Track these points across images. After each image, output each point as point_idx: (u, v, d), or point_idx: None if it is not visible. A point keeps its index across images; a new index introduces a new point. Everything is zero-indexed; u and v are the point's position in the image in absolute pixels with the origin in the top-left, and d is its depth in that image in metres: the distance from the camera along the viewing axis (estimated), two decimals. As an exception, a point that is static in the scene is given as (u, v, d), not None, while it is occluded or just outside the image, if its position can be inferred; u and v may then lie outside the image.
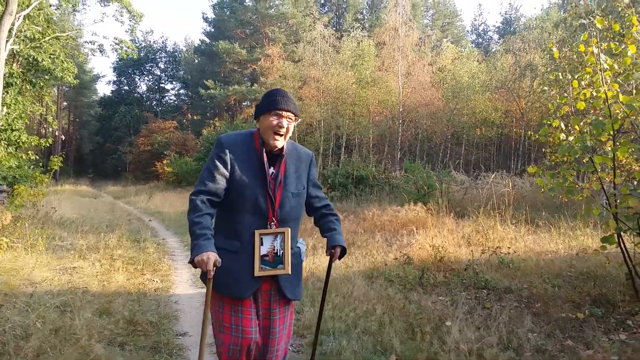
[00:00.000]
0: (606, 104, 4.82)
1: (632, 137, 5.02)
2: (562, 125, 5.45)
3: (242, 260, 2.54)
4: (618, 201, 4.94)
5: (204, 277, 2.51)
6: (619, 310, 4.82)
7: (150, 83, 54.44)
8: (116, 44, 25.14)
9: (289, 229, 2.58)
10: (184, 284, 6.82)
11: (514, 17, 51.09)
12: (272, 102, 2.60)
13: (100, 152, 51.67)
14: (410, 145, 27.90)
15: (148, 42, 53.61)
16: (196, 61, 48.85)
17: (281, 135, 2.59)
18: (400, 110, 25.98)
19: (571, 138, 5.31)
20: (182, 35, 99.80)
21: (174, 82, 54.49)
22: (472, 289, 5.76)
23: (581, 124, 5.40)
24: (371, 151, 25.62)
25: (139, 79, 54.37)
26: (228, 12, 41.24)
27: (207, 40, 44.58)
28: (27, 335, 4.05)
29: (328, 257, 2.76)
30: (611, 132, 4.84)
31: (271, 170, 2.62)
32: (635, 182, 5.40)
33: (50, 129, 25.77)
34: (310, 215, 2.91)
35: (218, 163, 2.57)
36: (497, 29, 53.22)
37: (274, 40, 35.58)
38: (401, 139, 26.34)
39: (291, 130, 2.62)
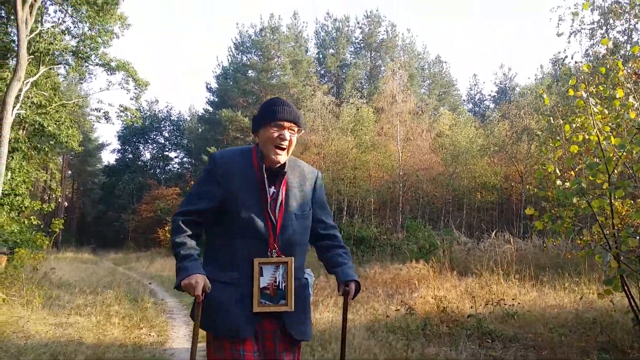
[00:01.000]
0: (599, 146, 4.89)
1: (627, 179, 5.05)
2: (557, 171, 5.50)
3: (239, 293, 2.25)
4: (619, 243, 4.91)
5: (194, 313, 2.25)
6: (628, 357, 4.69)
7: (154, 151, 55.23)
8: (121, 111, 25.76)
9: (292, 259, 2.29)
10: (181, 339, 6.66)
11: (509, 87, 52.42)
12: (272, 113, 2.34)
13: (103, 220, 51.64)
14: (412, 208, 27.94)
15: (153, 111, 54.83)
16: (200, 130, 49.78)
17: (283, 148, 2.33)
18: (401, 173, 26.22)
19: (567, 184, 5.35)
20: (186, 105, 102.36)
21: (177, 151, 55.29)
22: (475, 339, 5.61)
23: (577, 169, 5.46)
24: (373, 214, 25.62)
25: (144, 147, 55.19)
26: (231, 83, 42.44)
27: (211, 109, 45.64)
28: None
29: (341, 296, 2.38)
30: (606, 175, 4.89)
31: (271, 190, 2.35)
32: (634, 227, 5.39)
33: (54, 196, 25.94)
34: (313, 245, 2.56)
35: (208, 181, 2.34)
36: (492, 98, 54.48)
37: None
38: (402, 202, 26.42)
39: (294, 143, 2.37)
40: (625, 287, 4.98)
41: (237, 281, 2.26)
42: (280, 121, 2.33)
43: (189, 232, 2.28)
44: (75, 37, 21.88)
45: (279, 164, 2.35)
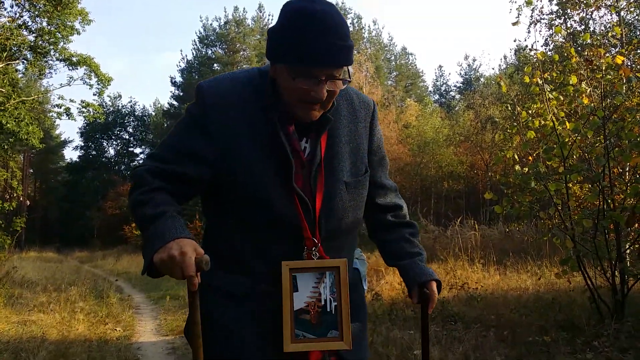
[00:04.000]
0: (554, 131, 5.05)
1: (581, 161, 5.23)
2: (516, 156, 5.64)
3: (257, 317, 1.43)
4: (574, 224, 5.09)
5: (189, 329, 1.34)
6: (585, 333, 4.85)
7: (118, 147, 54.28)
8: (83, 107, 25.22)
9: (345, 261, 1.45)
10: (148, 333, 6.62)
11: (473, 77, 53.23)
12: (303, 50, 1.31)
13: (67, 218, 50.57)
14: (380, 199, 28.16)
15: (116, 107, 53.85)
16: (165, 125, 49.11)
17: (316, 104, 1.38)
18: (368, 165, 26.40)
19: (526, 169, 5.50)
20: (150, 99, 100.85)
21: (142, 146, 54.40)
22: (439, 321, 5.75)
23: (534, 154, 5.62)
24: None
25: (107, 144, 54.17)
26: (196, 76, 41.97)
27: (176, 104, 45.05)
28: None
29: (416, 303, 1.60)
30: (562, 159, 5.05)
31: (303, 144, 1.47)
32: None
33: (15, 194, 25.27)
34: (363, 219, 1.65)
35: (192, 132, 1.43)
36: (458, 89, 55.26)
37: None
38: (370, 194, 26.62)
39: (337, 93, 1.40)
40: (582, 267, 5.17)
41: (250, 292, 1.43)
42: (317, 69, 1.33)
43: (156, 185, 1.37)
44: (34, 32, 21.31)
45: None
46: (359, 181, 1.53)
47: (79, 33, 22.29)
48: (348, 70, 1.39)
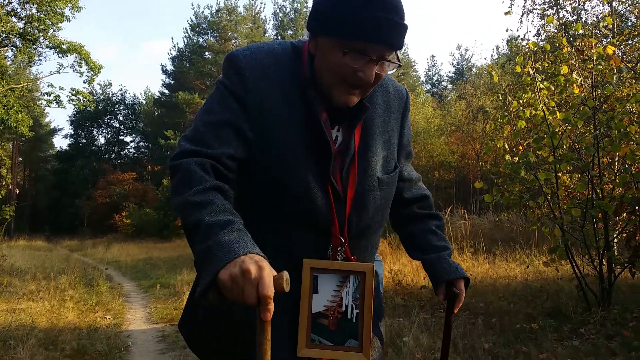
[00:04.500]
0: (545, 121, 5.06)
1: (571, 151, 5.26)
2: (506, 146, 5.66)
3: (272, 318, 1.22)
4: (563, 213, 5.12)
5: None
6: (572, 321, 4.91)
7: (109, 136, 53.90)
8: (73, 95, 25.03)
9: (373, 267, 1.34)
10: (138, 321, 6.62)
11: (465, 67, 53.25)
12: (361, 22, 1.18)
13: (57, 207, 50.29)
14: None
15: (107, 95, 53.39)
16: (156, 113, 48.80)
17: (359, 87, 1.26)
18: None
19: (516, 159, 5.52)
20: (141, 88, 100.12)
21: (133, 135, 54.08)
22: (428, 309, 5.79)
23: (525, 144, 5.63)
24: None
25: (97, 132, 53.80)
26: (187, 64, 41.67)
27: (167, 92, 44.74)
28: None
29: (442, 300, 1.53)
30: (552, 149, 5.07)
31: (334, 133, 1.35)
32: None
33: (4, 183, 25.11)
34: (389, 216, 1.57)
35: (229, 105, 1.28)
36: (450, 79, 55.28)
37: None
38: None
39: (383, 78, 1.29)
40: (570, 256, 5.21)
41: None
42: (371, 45, 1.20)
43: (213, 184, 1.16)
44: (23, 19, 21.07)
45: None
46: (391, 177, 1.43)
47: (68, 20, 22.12)
48: (397, 54, 1.28)
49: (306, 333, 1.29)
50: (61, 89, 30.73)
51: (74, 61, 23.56)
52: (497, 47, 47.56)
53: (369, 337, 1.29)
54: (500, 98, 6.81)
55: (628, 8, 13.12)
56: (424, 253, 1.54)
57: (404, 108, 1.50)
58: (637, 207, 4.96)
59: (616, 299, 5.34)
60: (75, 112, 50.15)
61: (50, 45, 22.14)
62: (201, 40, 42.00)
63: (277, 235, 1.30)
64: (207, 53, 41.06)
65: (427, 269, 1.53)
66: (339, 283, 1.31)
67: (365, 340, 1.29)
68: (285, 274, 0.99)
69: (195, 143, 1.24)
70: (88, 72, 23.80)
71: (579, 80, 5.08)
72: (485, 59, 62.02)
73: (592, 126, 5.14)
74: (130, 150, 54.83)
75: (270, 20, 48.09)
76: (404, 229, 1.61)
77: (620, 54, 8.18)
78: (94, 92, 44.35)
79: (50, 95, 25.33)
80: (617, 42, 7.57)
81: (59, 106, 24.58)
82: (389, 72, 1.29)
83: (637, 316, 4.84)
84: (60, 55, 23.10)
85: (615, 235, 5.36)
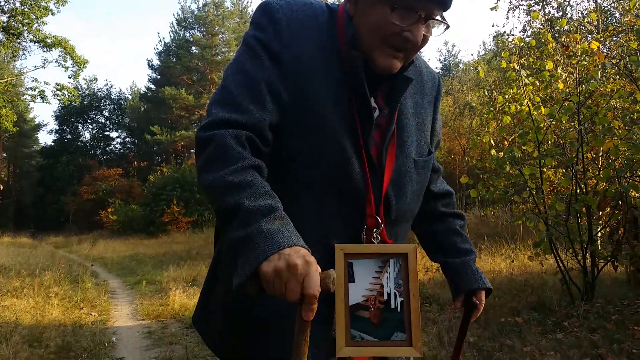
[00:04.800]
0: (530, 116, 5.10)
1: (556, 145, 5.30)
2: (492, 141, 5.70)
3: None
4: (547, 208, 5.17)
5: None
6: (556, 314, 4.96)
7: (94, 131, 53.38)
8: (58, 90, 24.78)
9: (415, 247, 1.18)
10: (124, 318, 6.58)
11: (452, 63, 53.44)
12: None
13: (42, 203, 49.76)
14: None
15: (92, 90, 52.86)
16: (142, 109, 48.44)
17: (403, 50, 1.15)
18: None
19: (501, 154, 5.56)
20: (127, 83, 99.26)
21: (119, 130, 53.60)
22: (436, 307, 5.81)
23: (510, 139, 5.68)
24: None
25: (83, 128, 53.23)
26: (174, 59, 41.39)
27: (153, 87, 44.41)
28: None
29: (458, 308, 1.42)
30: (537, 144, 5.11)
31: (372, 103, 1.21)
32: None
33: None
34: None
35: (262, 62, 1.14)
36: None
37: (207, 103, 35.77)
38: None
39: (428, 42, 1.17)
40: (554, 250, 5.27)
41: None
42: (420, 3, 1.11)
43: (251, 162, 1.05)
44: (6, 13, 20.78)
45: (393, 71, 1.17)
46: (426, 162, 1.32)
47: (53, 14, 21.87)
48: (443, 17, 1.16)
49: (345, 329, 1.12)
50: (46, 83, 30.49)
51: (59, 55, 23.33)
52: (484, 43, 47.72)
53: (418, 328, 1.14)
54: (487, 94, 6.85)
55: (612, 4, 13.25)
56: (446, 255, 1.41)
57: (437, 92, 1.40)
58: (620, 202, 5.02)
59: (599, 292, 5.40)
60: (60, 108, 49.63)
61: (35, 39, 21.89)
62: (188, 35, 41.71)
63: (306, 215, 1.14)
64: (193, 48, 40.79)
65: (448, 274, 1.40)
66: (377, 269, 1.15)
67: (415, 332, 1.14)
68: (333, 273, 0.93)
69: (229, 110, 1.10)
70: (73, 66, 23.57)
71: (564, 75, 5.12)
72: (472, 54, 62.36)
73: (576, 121, 5.18)
74: (116, 146, 54.38)
75: (257, 15, 47.88)
76: (424, 225, 1.47)
77: (605, 50, 8.25)
78: (79, 87, 43.91)
79: (34, 90, 25.08)
80: (602, 38, 7.63)
81: (43, 101, 24.33)
82: (437, 35, 1.18)
83: (619, 309, 4.90)
84: (45, 49, 22.85)
85: (598, 229, 5.41)
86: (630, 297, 5.31)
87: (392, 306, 1.15)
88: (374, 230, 1.18)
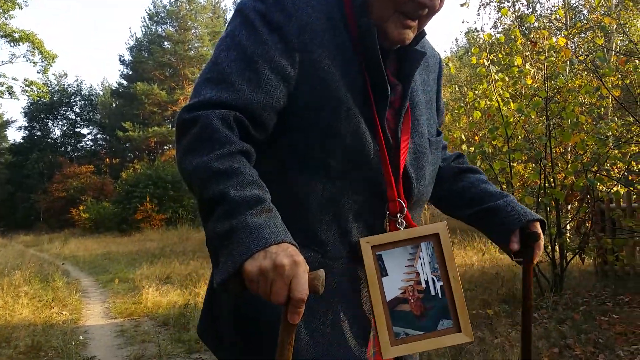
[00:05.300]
0: (499, 111, 5.18)
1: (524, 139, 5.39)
2: (463, 136, 5.77)
3: (328, 313, 1.05)
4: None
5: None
6: (525, 306, 5.06)
7: (64, 128, 52.38)
8: (26, 85, 24.27)
9: (445, 225, 1.12)
10: (95, 317, 6.49)
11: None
12: None
13: (11, 201, 48.71)
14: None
15: (62, 86, 51.84)
16: (114, 105, 47.74)
17: (416, 19, 1.08)
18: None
19: (472, 149, 5.64)
20: (98, 78, 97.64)
21: (90, 127, 52.69)
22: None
23: (481, 134, 5.76)
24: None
25: (53, 124, 52.19)
26: (146, 55, 40.85)
27: (125, 83, 43.78)
28: None
29: (515, 249, 1.24)
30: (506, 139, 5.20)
31: None
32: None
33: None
34: None
35: (263, 34, 1.04)
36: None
37: (194, 82, 35.52)
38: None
39: (439, 10, 1.11)
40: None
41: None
42: None
43: (239, 147, 0.97)
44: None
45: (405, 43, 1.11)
46: (439, 142, 1.25)
47: (20, 7, 21.36)
48: None
49: (387, 328, 1.02)
50: (14, 79, 29.76)
51: (27, 50, 22.84)
52: (457, 40, 48.24)
53: (464, 311, 1.06)
54: (458, 89, 6.94)
55: (580, 2, 13.51)
56: (484, 202, 1.28)
57: (439, 69, 1.34)
58: (587, 195, 5.14)
59: (568, 284, 5.53)
60: (29, 104, 48.57)
61: (1, 33, 21.34)
62: (160, 29, 41.21)
63: (323, 202, 1.05)
64: (166, 43, 40.30)
65: (491, 219, 1.25)
66: (409, 257, 1.07)
67: (462, 316, 1.06)
68: (322, 274, 0.86)
69: (219, 89, 1.00)
70: (42, 61, 23.09)
71: (532, 71, 5.22)
72: (445, 50, 62.88)
73: (544, 117, 5.28)
74: (87, 142, 53.46)
75: (230, 10, 47.59)
76: (447, 185, 1.36)
77: (572, 47, 8.42)
78: (48, 82, 43.04)
79: (2, 86, 24.48)
80: (570, 35, 7.79)
81: (11, 97, 23.77)
82: None
83: (587, 300, 5.03)
84: (12, 44, 22.33)
85: (566, 222, 5.53)
86: (597, 289, 5.45)
87: (432, 293, 1.07)
88: (398, 216, 1.08)
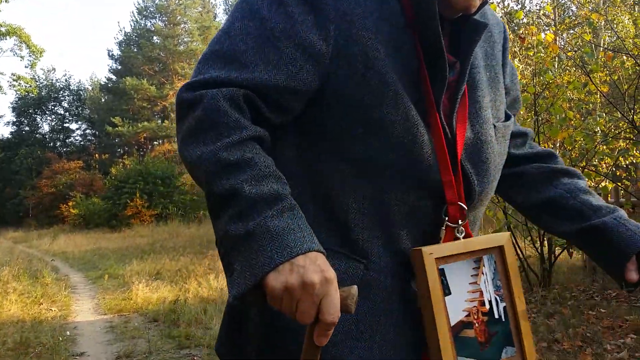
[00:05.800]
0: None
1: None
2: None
3: (374, 338, 0.88)
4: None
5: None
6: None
7: (53, 123, 51.97)
8: (14, 80, 24.05)
9: (509, 236, 0.99)
10: (85, 313, 6.47)
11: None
12: None
13: (0, 197, 48.42)
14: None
15: (50, 81, 51.38)
16: (103, 100, 47.40)
17: None
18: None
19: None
20: (87, 73, 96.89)
21: (79, 122, 52.28)
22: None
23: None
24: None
25: (41, 119, 51.78)
26: (135, 49, 40.58)
27: (114, 78, 43.48)
28: None
29: (635, 280, 1.04)
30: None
31: None
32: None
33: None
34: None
35: (287, 5, 0.87)
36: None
37: (184, 77, 35.41)
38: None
39: None
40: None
41: (362, 289, 0.85)
42: None
43: (255, 131, 0.84)
44: (-45, -1, 20.02)
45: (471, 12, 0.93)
46: (507, 128, 1.05)
47: (7, 1, 21.13)
48: None
49: (452, 351, 0.85)
50: (1, 73, 29.45)
51: (14, 44, 22.62)
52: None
53: (529, 337, 0.92)
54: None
55: (569, -2, 13.58)
56: (586, 219, 1.05)
57: (504, 39, 1.12)
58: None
59: (556, 279, 5.58)
60: (17, 99, 48.17)
61: (-13, 27, 21.11)
62: (149, 24, 40.95)
63: (361, 206, 0.88)
64: (155, 37, 40.05)
65: (600, 240, 1.03)
66: (473, 272, 0.90)
67: (527, 342, 0.92)
68: (354, 291, 0.75)
69: (230, 67, 0.85)
70: (30, 55, 22.88)
71: (521, 67, 5.24)
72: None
73: (533, 112, 5.31)
74: (76, 138, 53.09)
75: (220, 5, 47.44)
76: (533, 193, 1.13)
77: (561, 43, 8.47)
78: (36, 77, 42.74)
79: (-12, 81, 24.25)
80: (558, 31, 7.83)
81: (-1, 92, 23.55)
82: None
83: (575, 295, 5.08)
84: (-1, 38, 22.10)
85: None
86: (585, 283, 5.50)
87: (496, 316, 0.91)
88: (459, 222, 0.92)
